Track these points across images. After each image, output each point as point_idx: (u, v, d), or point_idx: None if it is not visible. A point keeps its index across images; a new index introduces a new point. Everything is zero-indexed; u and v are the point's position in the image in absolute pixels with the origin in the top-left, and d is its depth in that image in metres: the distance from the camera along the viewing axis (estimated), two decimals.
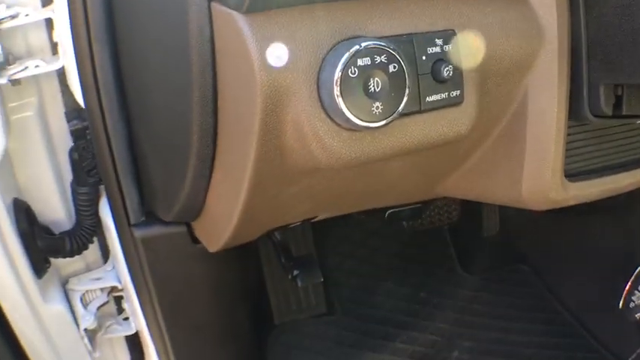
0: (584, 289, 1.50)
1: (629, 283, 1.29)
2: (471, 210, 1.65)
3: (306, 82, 0.63)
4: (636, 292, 1.29)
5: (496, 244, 1.72)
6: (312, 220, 1.02)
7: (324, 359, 1.45)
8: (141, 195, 0.94)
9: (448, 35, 0.69)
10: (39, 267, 1.03)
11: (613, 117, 0.81)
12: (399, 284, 1.62)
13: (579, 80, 0.79)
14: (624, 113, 0.81)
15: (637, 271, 1.29)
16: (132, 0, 0.79)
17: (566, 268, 1.63)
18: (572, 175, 0.85)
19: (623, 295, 1.30)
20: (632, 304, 1.29)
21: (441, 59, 0.68)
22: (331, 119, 0.65)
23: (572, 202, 0.86)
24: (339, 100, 0.62)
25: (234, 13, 0.62)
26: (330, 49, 0.63)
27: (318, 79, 0.64)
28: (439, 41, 0.68)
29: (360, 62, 0.62)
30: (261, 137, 0.66)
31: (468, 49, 0.72)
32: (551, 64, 0.76)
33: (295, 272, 1.13)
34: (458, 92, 0.71)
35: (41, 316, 1.07)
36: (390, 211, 1.11)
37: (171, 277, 1.02)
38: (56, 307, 1.09)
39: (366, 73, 0.62)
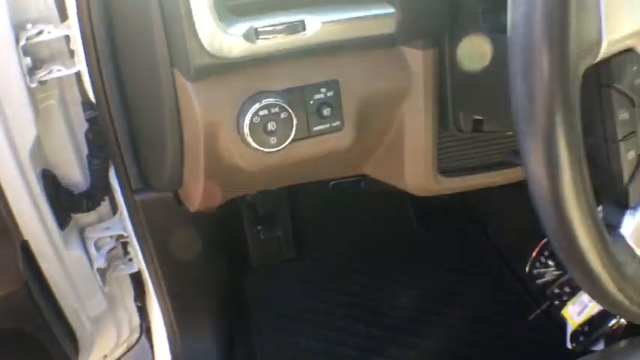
0: (524, 249, 1.56)
1: (535, 252, 1.42)
2: None
3: (230, 122, 0.89)
4: (538, 263, 1.42)
5: (451, 207, 1.90)
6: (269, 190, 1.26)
7: (291, 296, 1.67)
8: (139, 169, 1.11)
9: (331, 84, 0.91)
10: (62, 220, 1.16)
11: (475, 132, 0.98)
12: (361, 237, 1.83)
13: (445, 108, 0.98)
14: (484, 130, 0.98)
15: (542, 242, 1.42)
16: (125, 41, 0.98)
17: (514, 232, 1.78)
18: (446, 171, 1.06)
19: (529, 262, 1.43)
20: (535, 271, 1.43)
21: (325, 102, 0.91)
22: (246, 145, 0.90)
23: (447, 192, 1.09)
24: (248, 136, 0.88)
25: (185, 80, 0.88)
26: (245, 101, 0.88)
27: (237, 120, 0.89)
28: (323, 89, 0.91)
29: (260, 112, 0.87)
30: (205, 150, 0.93)
31: (347, 92, 0.93)
32: (419, 99, 0.96)
33: (259, 227, 1.45)
34: (338, 122, 0.93)
35: (63, 259, 1.20)
36: (332, 183, 1.36)
37: (163, 230, 1.20)
38: (75, 252, 1.22)
39: (264, 119, 0.88)
